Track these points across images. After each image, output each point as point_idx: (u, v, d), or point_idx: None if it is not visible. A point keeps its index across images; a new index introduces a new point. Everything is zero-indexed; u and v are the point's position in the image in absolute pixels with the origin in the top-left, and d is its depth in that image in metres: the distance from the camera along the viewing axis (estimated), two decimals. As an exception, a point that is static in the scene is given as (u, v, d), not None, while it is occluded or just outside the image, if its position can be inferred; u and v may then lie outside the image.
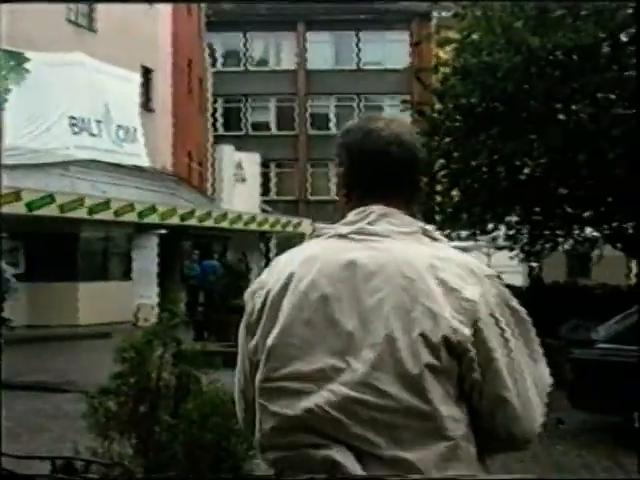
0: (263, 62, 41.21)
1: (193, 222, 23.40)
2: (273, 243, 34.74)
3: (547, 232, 14.16)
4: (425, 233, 1.87)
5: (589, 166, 11.57)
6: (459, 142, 13.61)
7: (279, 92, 40.15)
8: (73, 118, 21.08)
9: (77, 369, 12.51)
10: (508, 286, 1.85)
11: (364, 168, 1.90)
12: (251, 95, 40.33)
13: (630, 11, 12.08)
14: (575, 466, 7.28)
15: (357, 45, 40.11)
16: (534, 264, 20.73)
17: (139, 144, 23.18)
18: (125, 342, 4.51)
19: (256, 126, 40.51)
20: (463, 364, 1.71)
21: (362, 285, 1.74)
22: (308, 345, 1.74)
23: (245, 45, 40.66)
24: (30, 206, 17.38)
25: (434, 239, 1.86)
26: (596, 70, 11.76)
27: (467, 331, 1.69)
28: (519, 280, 22.38)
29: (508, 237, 14.73)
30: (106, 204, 20.06)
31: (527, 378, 1.78)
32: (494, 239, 14.70)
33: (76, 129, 21.22)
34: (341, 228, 1.85)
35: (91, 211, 19.52)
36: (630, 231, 13.90)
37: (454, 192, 14.56)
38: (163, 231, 22.81)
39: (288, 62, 40.60)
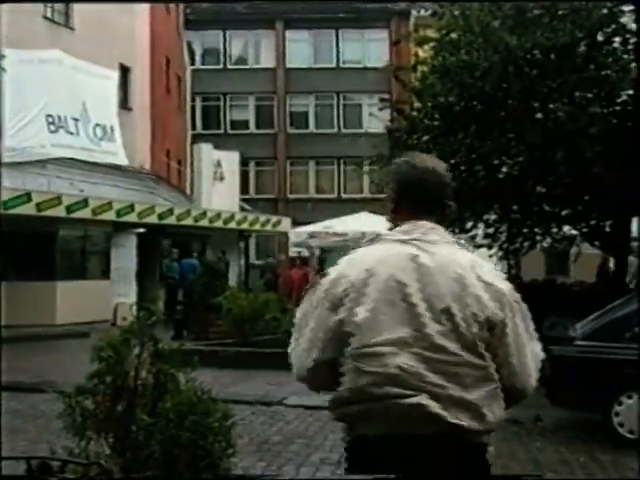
0: (242, 60, 41.09)
1: (172, 221, 23.30)
2: (252, 242, 34.72)
3: (525, 230, 14.22)
4: (457, 242, 2.62)
5: (567, 164, 11.63)
6: (437, 140, 13.63)
7: (258, 90, 40.07)
8: (50, 116, 20.90)
9: (54, 369, 12.41)
10: None
11: (408, 192, 2.65)
12: (230, 93, 40.21)
13: (605, 11, 12.18)
14: (553, 462, 7.32)
15: (336, 43, 40.09)
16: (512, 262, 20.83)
17: (117, 142, 23.02)
18: (102, 341, 4.47)
19: (235, 124, 40.40)
20: (494, 336, 2.45)
21: (426, 277, 2.44)
22: (392, 320, 2.41)
23: (224, 43, 40.51)
24: (6, 205, 17.21)
25: (464, 247, 2.61)
26: (573, 69, 11.83)
27: (501, 314, 2.45)
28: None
29: (487, 235, 14.78)
30: (84, 203, 19.92)
31: (526, 348, 2.54)
32: (473, 237, 14.72)
33: (53, 127, 21.04)
34: (401, 236, 2.56)
35: (69, 210, 19.37)
36: (608, 229, 14.01)
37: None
38: (141, 230, 22.70)
39: (267, 60, 40.51)
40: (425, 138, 14.03)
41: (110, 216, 20.86)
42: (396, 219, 2.66)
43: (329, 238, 24.50)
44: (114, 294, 21.42)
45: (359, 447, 2.47)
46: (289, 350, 2.69)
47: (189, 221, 24.18)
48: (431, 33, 14.45)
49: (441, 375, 2.37)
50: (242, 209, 31.39)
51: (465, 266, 2.47)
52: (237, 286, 21.64)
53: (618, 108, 12.45)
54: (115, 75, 23.64)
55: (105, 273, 22.06)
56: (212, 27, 38.86)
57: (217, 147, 30.95)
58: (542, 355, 2.63)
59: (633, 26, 12.33)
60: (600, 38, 12.44)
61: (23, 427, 8.44)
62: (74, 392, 4.36)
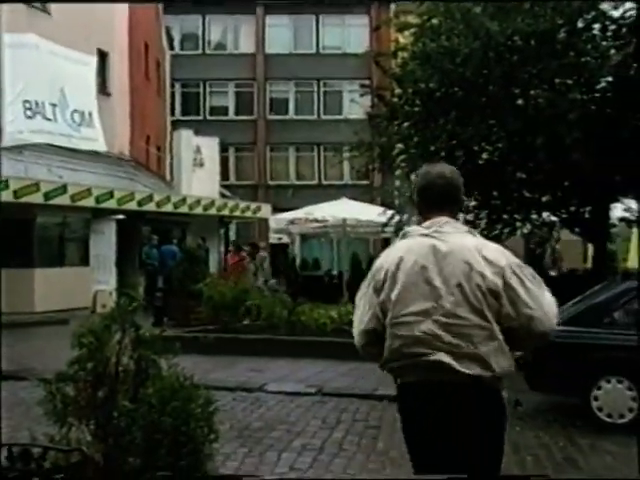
0: (221, 46, 40.87)
1: (151, 207, 23.19)
2: (232, 228, 34.63)
3: (505, 216, 14.24)
4: (469, 232, 3.41)
5: (546, 151, 11.67)
6: (418, 127, 13.64)
7: (238, 76, 39.89)
8: (27, 102, 20.63)
9: (34, 356, 12.34)
10: None
11: (424, 195, 3.49)
12: (209, 79, 40.00)
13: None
14: (532, 446, 7.38)
15: (316, 29, 39.96)
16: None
17: (96, 128, 22.79)
18: (83, 327, 4.44)
19: (214, 111, 40.22)
20: (499, 301, 3.19)
21: (442, 261, 3.24)
22: (416, 296, 3.21)
23: (203, 28, 40.27)
24: (-17, 191, 17.05)
25: (475, 235, 3.41)
26: (553, 56, 11.85)
27: (500, 283, 3.19)
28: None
29: (467, 222, 14.77)
30: (62, 189, 19.76)
31: (541, 298, 3.27)
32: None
33: (30, 113, 20.78)
34: (423, 230, 3.38)
35: (47, 196, 19.21)
36: (587, 215, 14.08)
37: (413, 177, 14.59)
38: (121, 216, 22.56)
39: (247, 46, 40.32)
40: (406, 124, 14.03)
41: (89, 203, 20.72)
42: (422, 217, 3.50)
43: (309, 224, 24.46)
44: (93, 281, 21.31)
45: (401, 391, 3.35)
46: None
47: (169, 207, 24.08)
48: (412, 19, 14.42)
49: (455, 336, 3.16)
50: (222, 195, 31.30)
51: (472, 249, 3.25)
52: (217, 272, 21.60)
53: (597, 95, 12.50)
54: (93, 60, 23.37)
55: (84, 260, 21.93)
56: (191, 12, 38.59)
57: (197, 133, 30.81)
58: (554, 300, 3.37)
59: (613, 13, 12.38)
60: (580, 25, 12.46)
61: (3, 414, 8.38)
62: (54, 379, 4.32)
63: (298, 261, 30.89)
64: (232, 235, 35.14)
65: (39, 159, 20.63)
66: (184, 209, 24.95)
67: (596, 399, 8.14)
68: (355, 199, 24.55)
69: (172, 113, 37.53)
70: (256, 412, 8.79)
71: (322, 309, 15.00)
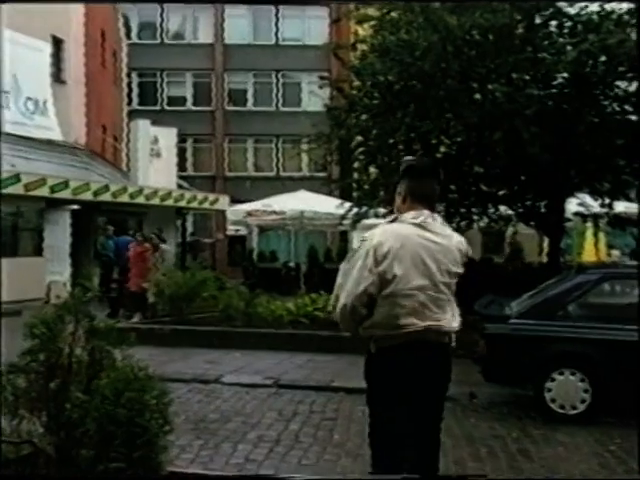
0: (179, 36, 40.45)
1: (107, 197, 22.87)
2: (190, 219, 34.37)
3: (463, 210, 14.34)
4: (444, 224, 4.31)
5: (504, 145, 11.76)
6: (376, 119, 13.65)
7: (196, 67, 39.54)
8: (-22, 88, 20.28)
9: (-15, 347, 12.11)
10: None
11: (412, 191, 4.24)
12: (167, 69, 39.60)
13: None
14: (486, 437, 7.45)
15: (276, 20, 39.78)
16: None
17: (50, 117, 22.47)
18: (35, 318, 4.35)
19: (172, 101, 39.83)
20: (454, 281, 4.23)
21: (432, 245, 4.12)
22: (416, 274, 4.07)
23: (161, 18, 39.81)
24: None
25: (447, 226, 4.34)
26: (511, 51, 11.94)
27: (461, 269, 4.24)
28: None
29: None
30: (16, 178, 19.39)
31: None
32: (411, 216, 14.79)
33: (-18, 100, 20.42)
34: (414, 220, 4.15)
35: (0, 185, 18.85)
36: (542, 209, 14.24)
37: (371, 169, 14.62)
38: (76, 207, 22.23)
39: (205, 36, 39.96)
40: (364, 117, 14.03)
41: (43, 192, 20.38)
42: (404, 208, 4.23)
43: (267, 216, 24.42)
44: (47, 272, 20.99)
45: (384, 351, 4.11)
46: (335, 289, 4.26)
47: (125, 198, 23.78)
48: (371, 12, 14.42)
49: (438, 307, 4.14)
50: (179, 186, 31.03)
51: (452, 240, 4.25)
52: (174, 264, 21.42)
53: (554, 90, 12.62)
54: (47, 47, 23.01)
55: (38, 250, 21.59)
56: (149, 0, 38.12)
57: (154, 123, 30.47)
58: None
59: (569, 10, 12.51)
60: (537, 21, 12.57)
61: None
62: (5, 370, 4.24)
63: (255, 253, 30.79)
64: (189, 226, 34.92)
65: (-8, 147, 20.24)
66: (141, 200, 24.67)
67: (549, 390, 8.24)
68: (313, 191, 24.54)
69: (129, 103, 37.10)
70: (212, 404, 8.74)
71: (279, 301, 14.98)
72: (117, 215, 24.72)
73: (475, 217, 14.85)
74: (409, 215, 4.15)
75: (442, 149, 13.93)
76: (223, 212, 29.52)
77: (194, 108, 39.67)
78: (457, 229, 15.04)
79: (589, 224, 17.93)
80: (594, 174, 13.46)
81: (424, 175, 4.26)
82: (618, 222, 14.85)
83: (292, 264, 26.37)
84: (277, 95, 39.86)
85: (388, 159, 13.65)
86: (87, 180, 22.67)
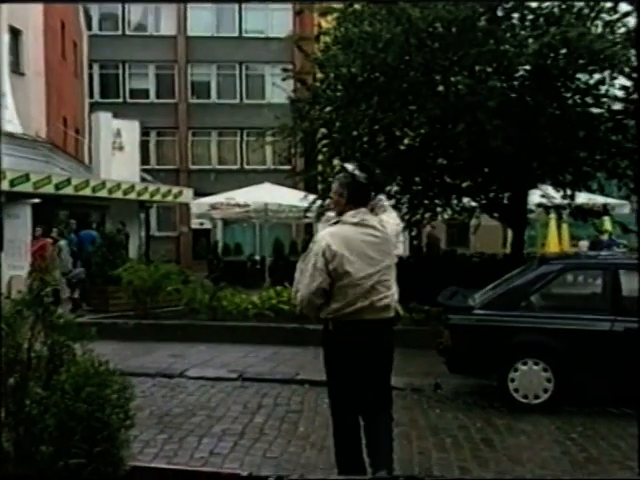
0: (141, 27, 40.03)
1: (69, 191, 22.57)
2: (153, 213, 34.12)
3: (427, 202, 14.38)
4: (381, 221, 5.18)
5: (467, 137, 11.81)
6: (340, 112, 13.63)
7: (158, 59, 39.21)
8: None
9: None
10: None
11: (353, 195, 5.11)
12: (129, 61, 39.21)
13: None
14: (451, 427, 7.49)
15: (239, 12, 39.54)
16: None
17: (9, 109, 22.09)
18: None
19: (135, 93, 39.45)
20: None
21: (372, 239, 5.04)
22: (364, 265, 4.98)
23: (122, 9, 39.35)
24: None
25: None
26: (474, 43, 11.97)
27: (400, 250, 5.49)
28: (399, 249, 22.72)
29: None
30: (-26, 172, 19.09)
31: None
32: (374, 208, 14.79)
33: (-62, 92, 20.03)
34: (352, 219, 5.03)
35: (-42, 179, 18.53)
36: (505, 201, 14.34)
37: (335, 161, 14.60)
38: (37, 200, 21.92)
39: (167, 28, 39.59)
40: (328, 109, 14.01)
41: (3, 186, 20.02)
42: (345, 208, 5.11)
43: (231, 209, 24.31)
44: (8, 267, 20.67)
45: (341, 328, 5.03)
46: (294, 284, 5.15)
47: (87, 191, 23.48)
48: (334, 4, 14.38)
49: (386, 288, 5.09)
50: (143, 179, 30.77)
51: (386, 228, 5.17)
52: (137, 258, 21.25)
53: (516, 82, 12.70)
54: (5, 38, 22.60)
55: (-2, 245, 21.25)
56: (136, 0, 37.65)
57: (116, 116, 30.16)
58: None
59: (531, 3, 12.58)
60: (500, 13, 12.63)
61: None
62: (-37, 366, 4.15)
63: (220, 246, 30.66)
64: (153, 220, 34.65)
65: (-51, 140, 19.86)
66: (103, 193, 24.38)
67: (513, 381, 8.31)
68: (278, 184, 24.48)
69: (91, 95, 36.67)
70: (176, 398, 8.69)
71: (244, 294, 14.93)
72: (79, 209, 24.41)
73: (439, 209, 14.91)
74: (349, 215, 5.05)
75: (406, 141, 13.96)
76: (187, 205, 29.33)
77: (157, 101, 39.34)
78: (421, 220, 15.14)
79: (552, 215, 18.11)
80: (556, 166, 13.58)
81: (362, 185, 5.14)
82: (580, 213, 15.00)
83: (257, 257, 26.31)
84: (241, 87, 39.69)
85: (352, 151, 13.64)
86: (48, 173, 22.37)
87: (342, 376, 5.10)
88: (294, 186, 21.87)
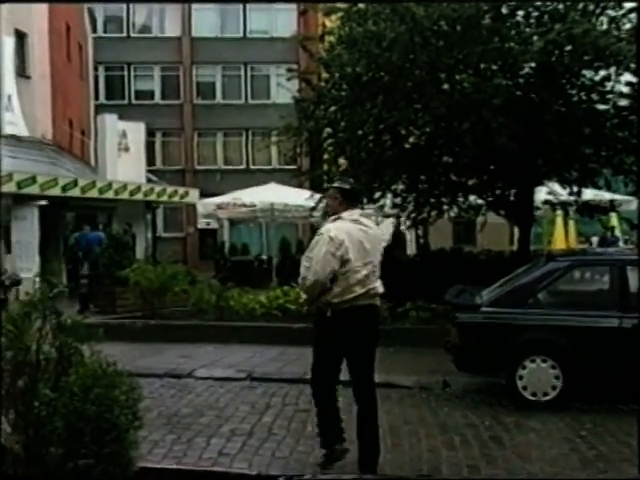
0: (146, 29, 40.09)
1: (76, 193, 22.62)
2: (160, 213, 34.16)
3: (432, 200, 14.36)
4: (377, 221, 10.66)
5: (472, 135, 11.79)
6: (345, 111, 13.63)
7: (163, 60, 39.26)
8: (-59, 83, 19.93)
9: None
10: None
11: (348, 198, 6.05)
12: (134, 63, 39.27)
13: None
14: (460, 426, 7.49)
15: (243, 13, 39.56)
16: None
17: (15, 112, 22.15)
18: (1, 315, 4.28)
19: (140, 95, 39.51)
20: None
21: (368, 237, 5.92)
22: (361, 256, 5.83)
23: (127, 11, 39.40)
24: None
25: (372, 219, 6.87)
26: (478, 41, 11.95)
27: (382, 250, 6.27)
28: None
29: (395, 205, 14.88)
30: (-19, 175, 19.13)
31: None
32: (381, 207, 14.80)
33: (-56, 96, 20.09)
34: (350, 217, 5.93)
35: (-35, 182, 18.58)
36: (512, 198, 14.31)
37: (341, 160, 14.61)
38: (44, 202, 21.99)
39: (172, 29, 39.64)
40: (333, 108, 14.00)
41: (10, 188, 20.10)
42: (341, 209, 5.95)
43: (238, 209, 24.32)
44: (16, 269, 20.72)
45: (338, 313, 5.77)
46: (303, 270, 5.93)
47: (94, 193, 23.53)
48: (339, 3, 14.37)
49: (374, 278, 5.90)
50: (149, 180, 30.82)
51: (376, 229, 6.15)
52: (144, 258, 21.28)
53: (521, 80, 12.68)
54: (10, 41, 22.66)
55: (6, 247, 21.31)
56: (140, 0, 37.70)
57: (122, 118, 30.24)
58: None
59: (536, 1, 12.55)
60: (504, 11, 12.60)
61: None
62: (-29, 369, 4.16)
63: (227, 246, 30.68)
64: (159, 221, 34.70)
65: (-44, 143, 19.91)
66: (110, 194, 24.42)
67: (521, 378, 8.29)
68: (283, 183, 24.49)
69: (96, 97, 36.75)
70: (185, 398, 8.70)
71: (251, 294, 14.94)
72: (86, 210, 24.48)
73: (445, 207, 14.88)
74: (346, 214, 5.91)
75: (411, 140, 13.94)
76: (193, 205, 29.35)
77: (162, 102, 39.40)
78: (427, 218, 15.14)
79: (559, 212, 18.06)
80: (561, 163, 13.55)
81: (358, 194, 6.39)
82: (587, 210, 14.96)
83: (264, 257, 26.32)
84: (246, 88, 39.70)
85: (357, 150, 13.64)
86: (55, 175, 22.42)
87: (331, 355, 6.00)
88: (300, 186, 21.88)
